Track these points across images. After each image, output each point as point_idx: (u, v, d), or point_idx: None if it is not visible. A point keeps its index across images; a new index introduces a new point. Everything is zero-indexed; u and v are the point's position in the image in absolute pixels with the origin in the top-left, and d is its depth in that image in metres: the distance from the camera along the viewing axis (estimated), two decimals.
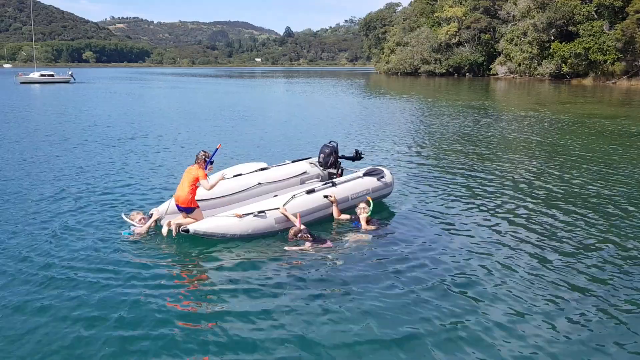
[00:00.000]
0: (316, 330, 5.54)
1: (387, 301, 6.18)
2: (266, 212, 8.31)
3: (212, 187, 8.36)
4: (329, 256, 7.58)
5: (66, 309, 5.94)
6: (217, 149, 8.57)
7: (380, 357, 5.11)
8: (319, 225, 8.81)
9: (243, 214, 8.17)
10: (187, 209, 8.29)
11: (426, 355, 5.16)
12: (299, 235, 7.95)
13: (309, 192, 9.02)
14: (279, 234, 8.37)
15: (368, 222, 8.68)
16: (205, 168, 8.35)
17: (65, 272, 6.88)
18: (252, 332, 5.48)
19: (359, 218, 8.78)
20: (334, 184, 9.49)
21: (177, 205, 8.36)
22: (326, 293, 6.41)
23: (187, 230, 7.93)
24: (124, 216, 8.58)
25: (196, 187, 8.30)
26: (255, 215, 8.22)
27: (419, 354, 5.17)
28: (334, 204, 9.04)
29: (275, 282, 6.70)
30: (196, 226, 7.97)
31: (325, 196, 9.03)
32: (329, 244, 7.93)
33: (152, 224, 8.39)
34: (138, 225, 8.35)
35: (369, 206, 8.77)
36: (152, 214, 8.61)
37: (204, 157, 8.34)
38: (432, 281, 6.78)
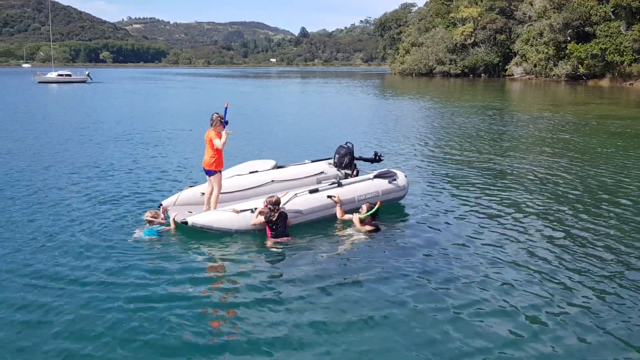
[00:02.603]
0: (304, 330, 5.59)
1: (364, 303, 6.17)
2: None
3: (223, 144, 8.67)
4: (317, 253, 7.71)
5: (73, 311, 6.02)
6: (225, 108, 8.87)
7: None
8: (320, 224, 8.90)
9: (241, 210, 8.37)
10: (208, 172, 8.78)
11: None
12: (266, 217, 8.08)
13: (312, 191, 9.10)
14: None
15: (362, 222, 8.58)
16: (223, 128, 8.72)
17: (73, 273, 7.00)
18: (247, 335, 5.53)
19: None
20: (339, 185, 9.49)
21: (203, 168, 8.87)
22: (310, 292, 6.44)
23: (186, 222, 8.21)
24: (146, 218, 8.59)
25: (217, 151, 8.70)
26: (252, 212, 8.38)
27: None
28: (338, 205, 9.04)
29: (266, 280, 6.78)
30: (194, 219, 8.25)
31: (329, 196, 9.06)
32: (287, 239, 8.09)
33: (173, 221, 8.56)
34: (161, 224, 8.49)
35: (370, 209, 8.62)
36: (165, 209, 8.85)
37: (218, 118, 8.76)
38: (413, 284, 6.73)
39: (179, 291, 6.43)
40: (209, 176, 8.86)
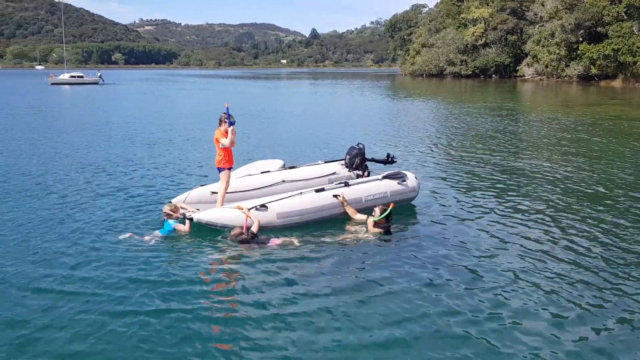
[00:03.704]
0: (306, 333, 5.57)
1: (368, 308, 6.11)
2: (268, 206, 8.54)
3: (230, 142, 8.88)
4: (329, 255, 7.69)
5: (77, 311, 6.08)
6: (227, 108, 9.01)
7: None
8: (332, 225, 8.91)
9: (245, 207, 8.45)
10: (217, 169, 9.09)
11: None
12: (240, 237, 8.02)
13: (318, 190, 9.15)
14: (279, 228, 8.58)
15: (376, 225, 8.59)
16: (229, 126, 8.92)
17: (78, 273, 7.10)
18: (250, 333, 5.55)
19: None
20: (346, 184, 9.51)
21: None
22: (323, 294, 6.43)
23: (191, 219, 8.36)
24: (165, 211, 8.72)
25: (224, 149, 8.93)
26: (257, 209, 8.46)
27: None
28: (344, 204, 9.03)
29: (279, 282, 6.77)
30: (199, 215, 8.40)
31: (335, 195, 9.08)
32: (274, 242, 8.00)
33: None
34: (178, 218, 8.60)
35: (383, 212, 8.60)
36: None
37: (224, 118, 8.98)
38: (425, 286, 6.68)
39: (189, 293, 6.45)
40: (219, 172, 9.13)
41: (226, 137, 8.85)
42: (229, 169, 9.05)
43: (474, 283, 6.79)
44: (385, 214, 8.60)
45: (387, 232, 8.60)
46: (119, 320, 5.72)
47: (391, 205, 8.76)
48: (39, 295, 6.29)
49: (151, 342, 5.34)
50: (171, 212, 8.59)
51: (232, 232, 8.13)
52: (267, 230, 8.44)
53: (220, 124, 9.01)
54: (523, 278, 6.92)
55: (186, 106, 37.94)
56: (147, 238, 8.22)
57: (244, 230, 8.08)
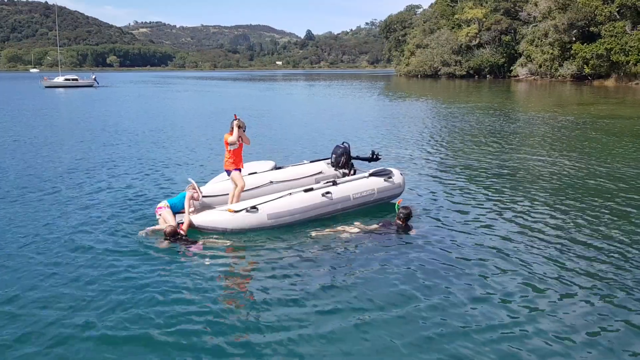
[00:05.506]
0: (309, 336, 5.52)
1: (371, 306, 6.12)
2: (258, 207, 8.58)
3: (235, 137, 9.12)
4: (323, 254, 7.74)
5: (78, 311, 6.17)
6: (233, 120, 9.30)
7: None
8: (326, 224, 8.95)
9: (236, 210, 8.50)
10: (227, 171, 9.32)
11: None
12: (174, 237, 8.04)
13: (307, 190, 9.22)
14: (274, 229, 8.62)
15: (402, 224, 8.69)
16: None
17: (76, 272, 7.18)
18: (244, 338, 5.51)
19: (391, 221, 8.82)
20: (334, 183, 9.58)
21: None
22: (320, 292, 6.48)
23: (182, 222, 8.45)
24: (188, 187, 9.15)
25: (232, 152, 9.20)
26: (247, 211, 8.50)
27: None
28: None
29: (264, 279, 6.82)
30: (190, 218, 8.47)
31: (324, 194, 9.15)
32: (198, 246, 7.98)
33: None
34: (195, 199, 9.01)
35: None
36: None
37: (232, 124, 9.27)
38: (416, 283, 6.73)
39: (186, 293, 6.45)
40: (227, 175, 9.36)
41: (230, 136, 9.10)
42: (238, 170, 9.24)
43: (479, 280, 6.82)
44: (397, 204, 8.82)
45: (406, 231, 8.64)
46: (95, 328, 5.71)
47: (399, 200, 9.01)
48: (41, 304, 6.24)
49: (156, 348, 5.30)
50: (191, 189, 8.97)
51: (166, 231, 8.07)
52: (259, 231, 8.48)
53: (230, 130, 9.29)
54: (533, 273, 6.99)
55: (184, 107, 37.91)
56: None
57: (180, 230, 8.18)
